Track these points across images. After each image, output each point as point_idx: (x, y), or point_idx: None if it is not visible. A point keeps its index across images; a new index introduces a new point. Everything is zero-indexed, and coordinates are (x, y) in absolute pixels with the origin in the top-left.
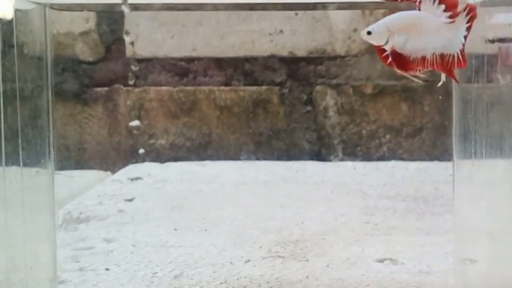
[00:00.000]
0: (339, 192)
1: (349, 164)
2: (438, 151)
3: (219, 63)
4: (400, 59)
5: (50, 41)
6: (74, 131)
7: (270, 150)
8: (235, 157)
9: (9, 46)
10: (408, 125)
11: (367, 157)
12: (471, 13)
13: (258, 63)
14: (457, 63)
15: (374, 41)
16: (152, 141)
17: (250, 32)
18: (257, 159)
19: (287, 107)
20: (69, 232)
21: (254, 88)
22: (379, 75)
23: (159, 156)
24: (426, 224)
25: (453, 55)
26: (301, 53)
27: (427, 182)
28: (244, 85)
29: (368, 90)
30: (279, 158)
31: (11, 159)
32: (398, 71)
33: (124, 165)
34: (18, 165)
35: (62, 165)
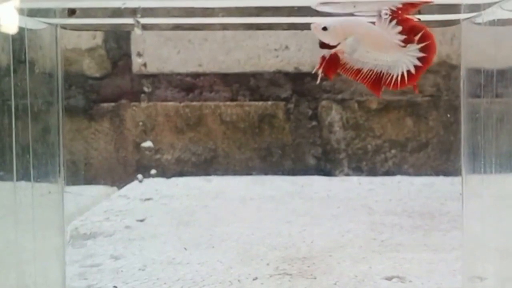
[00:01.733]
0: (345, 208)
1: (354, 179)
2: (444, 166)
3: (225, 78)
4: (334, 63)
5: (61, 61)
6: (80, 147)
7: (275, 165)
8: (241, 172)
9: (20, 63)
10: (413, 140)
11: (372, 172)
12: (425, 41)
13: (264, 79)
14: (400, 84)
15: (328, 38)
16: (158, 156)
17: (255, 48)
18: (263, 174)
19: (292, 122)
20: (76, 248)
21: (260, 103)
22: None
23: (165, 171)
24: (433, 241)
25: (392, 76)
26: (306, 68)
27: (433, 197)
28: (250, 100)
29: (374, 105)
30: (284, 173)
31: (22, 176)
32: (319, 70)
33: (131, 180)
34: (29, 181)
35: (68, 181)
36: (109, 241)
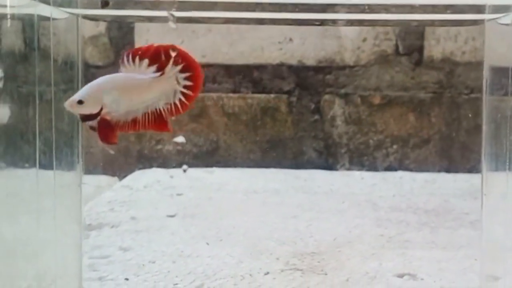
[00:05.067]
0: (349, 203)
1: (356, 173)
2: (445, 163)
3: (228, 70)
4: (108, 128)
5: (82, 50)
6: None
7: (277, 158)
8: (242, 165)
9: (41, 53)
10: (415, 136)
11: (373, 167)
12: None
13: (267, 71)
14: (176, 110)
15: (88, 109)
16: (159, 146)
17: (259, 40)
18: (264, 167)
19: (295, 116)
20: (83, 239)
21: (263, 96)
22: (387, 85)
23: (166, 162)
24: (440, 238)
25: (171, 105)
26: (310, 62)
27: (436, 194)
28: (253, 92)
29: (376, 100)
30: (286, 166)
31: (42, 166)
32: (102, 144)
33: (131, 170)
34: (50, 170)
35: None
36: (115, 232)
